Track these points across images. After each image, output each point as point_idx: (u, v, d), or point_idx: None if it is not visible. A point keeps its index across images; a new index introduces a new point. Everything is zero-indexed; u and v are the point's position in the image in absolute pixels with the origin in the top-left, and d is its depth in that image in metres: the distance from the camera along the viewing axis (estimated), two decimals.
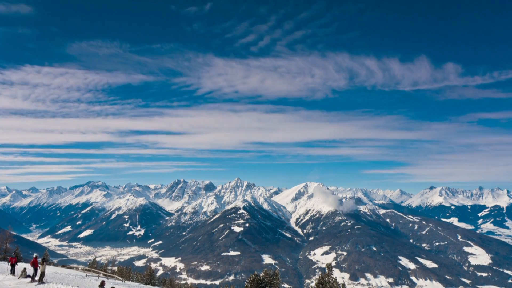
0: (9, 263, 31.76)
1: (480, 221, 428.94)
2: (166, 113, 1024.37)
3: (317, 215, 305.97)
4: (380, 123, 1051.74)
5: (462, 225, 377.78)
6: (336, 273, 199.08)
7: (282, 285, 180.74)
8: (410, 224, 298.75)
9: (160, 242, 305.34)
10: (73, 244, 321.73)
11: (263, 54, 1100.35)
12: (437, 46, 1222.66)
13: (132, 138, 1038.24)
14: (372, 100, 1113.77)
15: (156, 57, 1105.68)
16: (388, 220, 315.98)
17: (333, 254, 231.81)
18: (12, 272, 31.02)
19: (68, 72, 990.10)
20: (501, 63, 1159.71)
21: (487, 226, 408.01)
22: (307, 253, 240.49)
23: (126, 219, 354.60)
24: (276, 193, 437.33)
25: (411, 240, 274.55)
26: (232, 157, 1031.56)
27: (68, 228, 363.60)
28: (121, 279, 46.45)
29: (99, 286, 25.17)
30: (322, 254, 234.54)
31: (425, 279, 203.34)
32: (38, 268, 27.62)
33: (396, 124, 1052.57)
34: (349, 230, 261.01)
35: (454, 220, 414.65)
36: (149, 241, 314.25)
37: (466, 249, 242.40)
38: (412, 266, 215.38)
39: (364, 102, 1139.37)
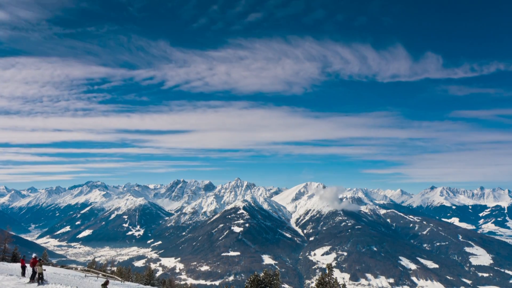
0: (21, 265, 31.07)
1: (481, 221, 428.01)
2: (161, 112, 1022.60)
3: (317, 215, 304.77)
4: (375, 122, 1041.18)
5: (463, 225, 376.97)
6: (336, 273, 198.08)
7: (282, 285, 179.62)
8: (411, 224, 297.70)
9: (160, 242, 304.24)
10: (72, 244, 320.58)
11: (221, 44, 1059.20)
12: (414, 34, 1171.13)
13: (132, 138, 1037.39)
14: (354, 94, 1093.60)
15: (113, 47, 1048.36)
16: (388, 220, 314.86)
17: (334, 255, 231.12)
18: (23, 274, 30.07)
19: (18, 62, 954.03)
20: (483, 54, 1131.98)
21: (488, 226, 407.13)
22: (307, 254, 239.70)
23: (126, 219, 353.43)
24: (276, 193, 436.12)
25: (411, 240, 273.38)
26: (232, 157, 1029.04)
27: (67, 228, 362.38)
28: (120, 279, 46.03)
29: (102, 285, 24.70)
30: (323, 255, 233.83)
31: (426, 280, 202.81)
32: (34, 268, 26.94)
33: (392, 122, 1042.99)
34: (349, 230, 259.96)
35: (455, 220, 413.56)
36: (149, 241, 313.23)
37: (467, 249, 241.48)
38: (413, 266, 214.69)
39: (349, 98, 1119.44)
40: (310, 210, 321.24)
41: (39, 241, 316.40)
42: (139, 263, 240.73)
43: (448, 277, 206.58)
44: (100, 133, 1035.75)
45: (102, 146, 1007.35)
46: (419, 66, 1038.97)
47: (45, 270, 28.57)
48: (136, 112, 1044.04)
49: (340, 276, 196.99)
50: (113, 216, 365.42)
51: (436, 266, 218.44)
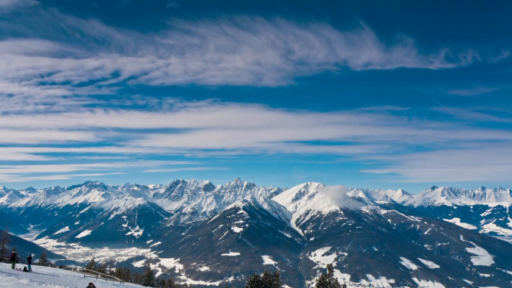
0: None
1: (482, 221, 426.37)
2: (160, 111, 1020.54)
3: (318, 215, 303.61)
4: (369, 120, 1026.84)
5: (465, 225, 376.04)
6: (337, 274, 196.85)
7: (282, 286, 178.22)
8: (412, 225, 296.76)
9: (159, 242, 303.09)
10: (71, 244, 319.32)
11: (162, 27, 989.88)
12: (381, 11, 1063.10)
13: (131, 137, 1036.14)
14: (330, 89, 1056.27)
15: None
16: (389, 220, 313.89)
17: (334, 255, 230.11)
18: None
19: None
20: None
21: (490, 227, 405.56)
22: (307, 254, 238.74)
23: (125, 220, 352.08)
24: (276, 193, 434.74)
25: (412, 241, 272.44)
26: (232, 157, 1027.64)
27: (66, 228, 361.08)
28: (119, 280, 45.51)
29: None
30: (323, 255, 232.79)
31: (427, 280, 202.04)
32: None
33: (383, 119, 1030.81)
34: (350, 231, 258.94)
35: (456, 221, 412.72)
36: (148, 242, 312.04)
37: (468, 249, 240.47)
38: (414, 267, 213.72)
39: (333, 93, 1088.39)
40: (310, 210, 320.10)
41: (37, 242, 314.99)
42: (138, 264, 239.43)
43: (449, 278, 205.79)
44: (99, 132, 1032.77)
45: (101, 145, 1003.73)
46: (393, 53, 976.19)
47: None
48: (128, 110, 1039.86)
49: (340, 277, 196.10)
50: (112, 216, 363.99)
51: (437, 266, 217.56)
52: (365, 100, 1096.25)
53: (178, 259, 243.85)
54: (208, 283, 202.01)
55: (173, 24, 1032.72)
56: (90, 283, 24.08)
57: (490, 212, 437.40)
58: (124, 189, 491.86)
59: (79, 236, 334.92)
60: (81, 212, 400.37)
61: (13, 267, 35.14)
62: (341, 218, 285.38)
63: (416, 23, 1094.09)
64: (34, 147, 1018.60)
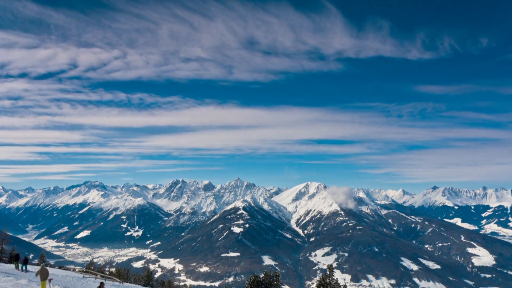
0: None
1: (483, 221, 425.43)
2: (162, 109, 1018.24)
3: (318, 216, 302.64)
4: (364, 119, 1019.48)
5: (466, 225, 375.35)
6: (337, 274, 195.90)
7: (282, 286, 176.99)
8: (413, 225, 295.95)
9: (159, 243, 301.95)
10: (70, 245, 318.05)
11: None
12: None
13: (130, 137, 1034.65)
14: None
15: None
16: (390, 220, 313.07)
17: (334, 255, 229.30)
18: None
19: None
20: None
21: (491, 227, 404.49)
22: (307, 254, 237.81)
23: (124, 220, 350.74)
24: (276, 193, 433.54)
25: (413, 241, 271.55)
26: (232, 157, 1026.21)
27: (65, 228, 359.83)
28: (119, 280, 45.17)
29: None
30: (323, 255, 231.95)
31: (428, 281, 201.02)
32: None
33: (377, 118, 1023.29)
34: (350, 231, 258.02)
35: (457, 221, 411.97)
36: (147, 242, 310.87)
37: (469, 250, 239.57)
38: (414, 267, 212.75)
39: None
40: (310, 210, 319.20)
41: (36, 242, 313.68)
42: (137, 264, 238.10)
43: (450, 278, 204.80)
44: (98, 130, 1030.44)
45: (100, 145, 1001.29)
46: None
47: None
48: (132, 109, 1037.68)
49: (341, 277, 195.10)
50: (111, 216, 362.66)
51: (438, 267, 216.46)
52: (347, 96, 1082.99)
53: (178, 259, 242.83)
54: (208, 284, 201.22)
55: (118, 5, 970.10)
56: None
57: (491, 212, 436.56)
58: (123, 189, 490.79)
59: (78, 236, 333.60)
60: (80, 212, 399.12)
61: (16, 267, 35.23)
62: (341, 218, 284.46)
63: (389, 4, 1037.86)
64: (31, 146, 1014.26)
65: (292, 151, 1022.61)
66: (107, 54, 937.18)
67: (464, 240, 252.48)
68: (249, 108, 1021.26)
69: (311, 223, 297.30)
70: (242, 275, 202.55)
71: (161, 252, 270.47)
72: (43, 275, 22.82)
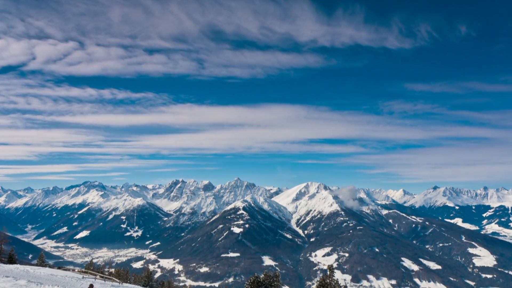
0: None
1: (484, 221, 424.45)
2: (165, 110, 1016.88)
3: (318, 216, 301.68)
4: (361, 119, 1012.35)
5: (467, 225, 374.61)
6: (337, 275, 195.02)
7: (283, 287, 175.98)
8: (413, 225, 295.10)
9: (158, 243, 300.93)
10: (70, 245, 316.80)
11: None
12: None
13: (129, 136, 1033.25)
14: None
15: None
16: (391, 220, 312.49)
17: (335, 256, 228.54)
18: None
19: None
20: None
21: (492, 227, 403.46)
22: (308, 255, 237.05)
23: (124, 220, 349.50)
24: (276, 193, 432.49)
25: (414, 241, 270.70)
26: (231, 156, 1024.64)
27: (64, 229, 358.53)
28: (118, 281, 44.81)
29: None
30: (324, 256, 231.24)
31: (429, 281, 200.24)
32: None
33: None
34: (351, 231, 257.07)
35: (458, 221, 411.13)
36: (147, 242, 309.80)
37: (470, 250, 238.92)
38: (415, 267, 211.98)
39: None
40: (311, 210, 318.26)
41: (35, 242, 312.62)
42: (137, 265, 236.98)
43: (451, 279, 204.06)
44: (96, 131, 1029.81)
45: (99, 145, 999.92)
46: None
47: None
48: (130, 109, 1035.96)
49: (341, 278, 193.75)
50: (111, 216, 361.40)
51: (439, 267, 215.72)
52: (331, 93, 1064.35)
53: (178, 259, 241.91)
54: (207, 284, 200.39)
55: None
56: (91, 285, 23.23)
57: (492, 212, 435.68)
58: (123, 189, 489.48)
59: (77, 236, 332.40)
60: (79, 212, 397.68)
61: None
62: (342, 218, 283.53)
63: None
64: (31, 146, 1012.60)
65: (285, 150, 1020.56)
66: (64, 45, 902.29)
67: (465, 241, 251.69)
68: (233, 106, 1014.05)
69: (311, 223, 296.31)
70: (242, 276, 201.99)
71: (160, 252, 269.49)
72: None
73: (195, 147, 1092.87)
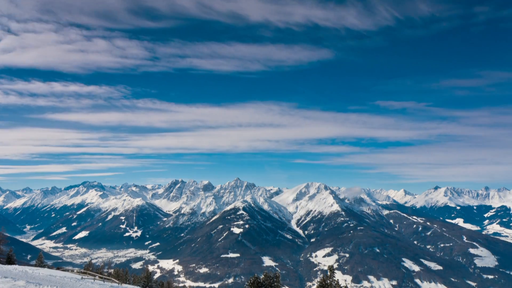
0: None
1: (486, 222, 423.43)
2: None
3: (319, 216, 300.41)
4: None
5: (468, 226, 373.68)
6: (338, 275, 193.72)
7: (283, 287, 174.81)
8: (414, 225, 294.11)
9: (158, 243, 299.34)
10: (68, 246, 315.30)
11: None
12: None
13: (128, 136, 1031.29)
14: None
15: None
16: (391, 221, 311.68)
17: (335, 256, 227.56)
18: None
19: None
20: None
21: (493, 227, 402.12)
22: (308, 255, 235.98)
23: (123, 220, 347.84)
24: (276, 193, 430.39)
25: (415, 242, 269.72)
26: (231, 156, 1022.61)
27: (63, 229, 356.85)
28: (117, 282, 44.12)
29: None
30: (324, 256, 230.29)
31: (430, 282, 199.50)
32: None
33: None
34: (351, 231, 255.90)
35: (459, 221, 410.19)
36: (146, 243, 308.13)
37: (471, 250, 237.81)
38: (416, 268, 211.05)
39: None
40: (311, 210, 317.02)
41: (34, 243, 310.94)
42: (136, 265, 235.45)
43: (452, 279, 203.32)
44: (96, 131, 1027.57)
45: (99, 145, 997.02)
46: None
47: None
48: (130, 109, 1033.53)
49: (342, 278, 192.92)
50: (110, 217, 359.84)
51: (440, 267, 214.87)
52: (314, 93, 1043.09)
53: (177, 260, 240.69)
54: (207, 285, 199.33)
55: None
56: None
57: (493, 213, 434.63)
58: (122, 189, 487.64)
59: (76, 237, 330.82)
60: (78, 212, 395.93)
61: None
62: (342, 218, 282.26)
63: None
64: (29, 146, 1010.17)
65: (285, 150, 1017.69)
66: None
67: (466, 241, 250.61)
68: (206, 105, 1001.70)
69: (311, 224, 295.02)
70: (242, 276, 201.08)
71: (160, 253, 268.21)
72: None
73: (195, 147, 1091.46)
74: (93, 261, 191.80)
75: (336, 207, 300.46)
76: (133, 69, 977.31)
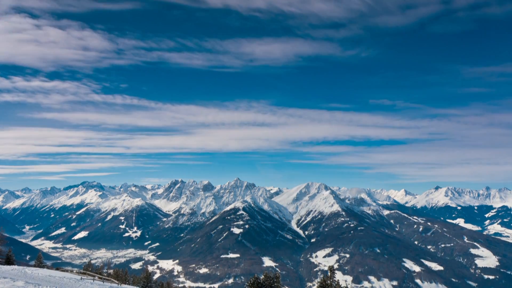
0: None
1: (487, 222, 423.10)
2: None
3: (319, 216, 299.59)
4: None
5: (469, 226, 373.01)
6: (338, 276, 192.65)
7: None
8: (415, 225, 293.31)
9: (157, 244, 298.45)
10: (68, 246, 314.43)
11: None
12: None
13: (128, 136, 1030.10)
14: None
15: None
16: (392, 221, 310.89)
17: (336, 257, 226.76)
18: None
19: None
20: None
21: (495, 227, 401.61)
22: (308, 256, 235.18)
23: (122, 221, 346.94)
24: (276, 193, 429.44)
25: (416, 242, 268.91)
26: (231, 156, 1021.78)
27: (63, 229, 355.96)
28: (117, 282, 43.86)
29: None
30: (324, 257, 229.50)
31: (431, 282, 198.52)
32: None
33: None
34: (352, 232, 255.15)
35: (460, 221, 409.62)
36: (146, 243, 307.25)
37: (472, 251, 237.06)
38: (417, 268, 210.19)
39: None
40: (311, 211, 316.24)
41: (33, 243, 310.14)
42: (136, 266, 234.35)
43: (453, 280, 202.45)
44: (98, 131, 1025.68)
45: (98, 145, 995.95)
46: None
47: None
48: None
49: (342, 279, 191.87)
50: (109, 217, 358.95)
51: (441, 268, 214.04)
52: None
53: (177, 260, 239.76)
54: (207, 285, 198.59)
55: None
56: None
57: (494, 213, 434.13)
58: (121, 189, 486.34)
59: (75, 237, 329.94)
60: (77, 213, 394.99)
61: None
62: (342, 219, 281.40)
63: None
64: (28, 146, 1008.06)
65: (284, 150, 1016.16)
66: None
67: (467, 241, 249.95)
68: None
69: (312, 224, 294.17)
70: (242, 277, 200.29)
71: (159, 253, 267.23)
72: None
73: (195, 147, 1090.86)
74: (93, 261, 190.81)
75: (336, 207, 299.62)
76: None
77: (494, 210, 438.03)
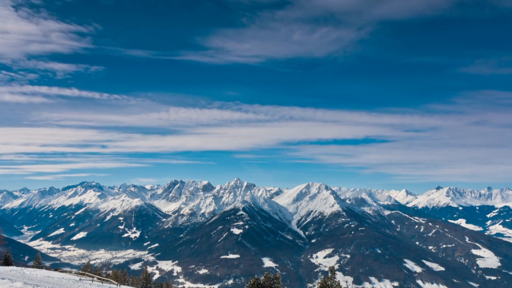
0: None
1: (488, 222, 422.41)
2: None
3: (320, 217, 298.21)
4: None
5: (470, 226, 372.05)
6: (339, 276, 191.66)
7: None
8: (416, 226, 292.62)
9: (157, 244, 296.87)
10: (66, 247, 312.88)
11: None
12: None
13: (127, 136, 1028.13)
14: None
15: None
16: (393, 221, 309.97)
17: (336, 257, 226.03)
18: None
19: None
20: None
21: (496, 228, 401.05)
22: (309, 256, 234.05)
23: (121, 221, 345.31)
24: (277, 193, 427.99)
25: (417, 242, 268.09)
26: (231, 156, 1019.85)
27: (61, 230, 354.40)
28: (116, 283, 43.26)
29: None
30: (325, 257, 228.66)
31: (432, 283, 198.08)
32: None
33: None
34: (352, 232, 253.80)
35: (461, 222, 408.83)
36: (145, 244, 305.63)
37: (474, 251, 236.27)
38: (418, 269, 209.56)
39: None
40: (312, 211, 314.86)
41: (32, 244, 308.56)
42: (135, 266, 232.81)
43: (455, 280, 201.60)
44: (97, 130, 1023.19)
45: (97, 145, 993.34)
46: None
47: None
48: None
49: (343, 280, 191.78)
50: (108, 217, 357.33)
51: (442, 269, 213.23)
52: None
53: (176, 261, 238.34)
54: (207, 286, 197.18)
55: None
56: None
57: (496, 213, 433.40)
58: (120, 189, 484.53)
59: (74, 238, 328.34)
60: (76, 213, 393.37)
61: None
62: (343, 219, 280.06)
63: None
64: (27, 145, 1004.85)
65: (284, 150, 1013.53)
66: None
67: (468, 242, 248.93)
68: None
69: (312, 224, 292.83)
70: (242, 277, 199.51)
71: (159, 254, 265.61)
72: None
73: (195, 147, 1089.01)
74: (92, 262, 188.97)
75: (337, 208, 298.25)
76: None
77: (496, 211, 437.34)
